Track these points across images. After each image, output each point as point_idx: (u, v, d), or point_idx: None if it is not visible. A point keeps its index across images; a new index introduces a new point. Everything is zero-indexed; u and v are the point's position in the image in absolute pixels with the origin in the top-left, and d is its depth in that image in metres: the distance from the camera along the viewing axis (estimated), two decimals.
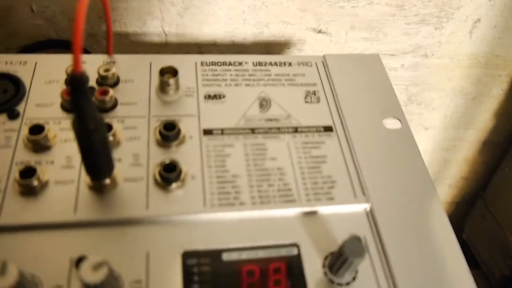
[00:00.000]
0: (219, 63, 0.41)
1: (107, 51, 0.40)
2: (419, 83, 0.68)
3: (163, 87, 0.37)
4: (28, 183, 0.31)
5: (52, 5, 0.54)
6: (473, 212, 0.84)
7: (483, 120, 0.74)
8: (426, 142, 0.77)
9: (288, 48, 0.62)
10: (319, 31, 0.60)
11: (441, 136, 0.76)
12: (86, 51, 0.57)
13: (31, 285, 0.27)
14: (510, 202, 0.76)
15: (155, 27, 0.57)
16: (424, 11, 0.60)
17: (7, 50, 0.58)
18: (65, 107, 0.36)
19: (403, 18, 0.60)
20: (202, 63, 0.41)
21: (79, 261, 0.29)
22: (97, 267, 0.26)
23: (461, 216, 0.89)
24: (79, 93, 0.25)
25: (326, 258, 0.31)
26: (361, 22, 0.60)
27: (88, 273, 0.25)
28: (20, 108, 0.35)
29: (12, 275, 0.25)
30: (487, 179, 0.82)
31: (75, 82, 0.25)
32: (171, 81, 0.37)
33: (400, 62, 0.65)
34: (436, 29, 0.62)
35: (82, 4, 0.24)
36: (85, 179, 0.32)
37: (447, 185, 0.86)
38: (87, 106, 0.26)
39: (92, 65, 0.39)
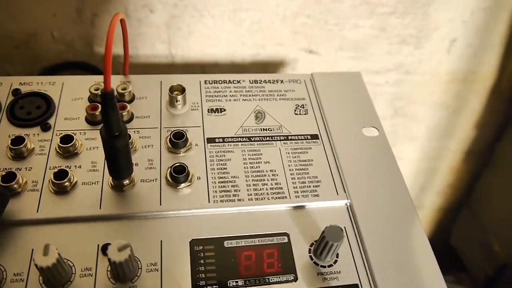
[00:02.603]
0: (220, 81, 0.47)
1: (123, 72, 0.46)
2: (403, 98, 0.74)
3: (172, 103, 0.44)
4: (61, 184, 0.37)
5: (72, 32, 0.60)
6: (460, 218, 0.89)
7: (464, 131, 0.80)
8: (412, 152, 0.83)
9: (283, 67, 0.68)
10: (310, 52, 0.67)
11: (426, 146, 0.82)
12: (100, 71, 0.64)
13: (66, 267, 0.33)
14: (493, 208, 0.81)
15: (163, 50, 0.64)
16: (404, 32, 0.66)
17: (30, 72, 0.64)
18: (89, 120, 0.42)
19: (386, 39, 0.67)
20: (205, 82, 0.47)
21: (104, 247, 0.35)
22: (121, 249, 0.31)
23: (449, 222, 0.94)
24: (108, 105, 0.31)
25: (311, 245, 0.37)
26: (348, 43, 0.66)
27: (114, 254, 0.31)
28: (51, 121, 0.42)
29: (53, 256, 0.31)
30: (472, 186, 0.87)
31: (106, 97, 0.31)
32: (179, 97, 0.43)
33: (384, 79, 0.71)
34: (416, 48, 0.68)
35: (111, 34, 0.31)
36: (108, 180, 0.38)
37: (434, 192, 0.91)
38: (114, 116, 0.32)
39: (111, 84, 0.45)
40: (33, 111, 0.42)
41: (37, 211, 0.36)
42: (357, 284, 0.35)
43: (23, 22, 0.59)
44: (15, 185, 0.36)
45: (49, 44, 0.61)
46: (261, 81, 0.48)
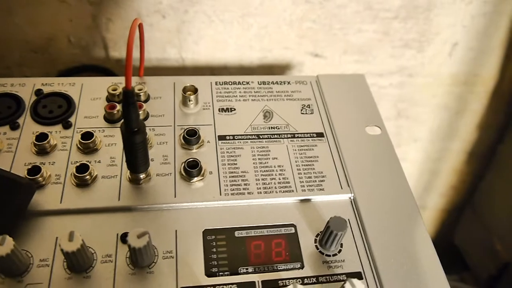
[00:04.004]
0: (230, 83, 0.50)
1: (139, 74, 0.49)
2: (406, 100, 0.77)
3: (185, 102, 0.46)
4: (82, 177, 0.39)
5: (87, 36, 0.63)
6: (463, 219, 0.91)
7: (467, 132, 0.82)
8: (416, 153, 0.85)
9: (289, 70, 0.71)
10: (316, 55, 0.69)
11: (429, 148, 0.84)
12: (114, 74, 0.67)
13: (89, 253, 0.35)
14: (496, 209, 0.83)
15: (174, 54, 0.66)
16: (407, 36, 0.68)
17: (46, 74, 0.67)
18: (107, 119, 0.45)
19: (389, 43, 0.69)
20: (216, 83, 0.50)
21: (124, 236, 0.37)
22: (140, 235, 0.34)
23: (452, 222, 0.95)
24: (129, 103, 0.33)
25: (317, 235, 0.39)
26: (352, 47, 0.69)
27: (134, 240, 0.33)
28: (72, 119, 0.44)
29: (77, 241, 0.33)
30: (474, 187, 0.89)
31: (127, 95, 0.33)
32: (192, 97, 0.46)
33: (388, 81, 0.74)
34: (418, 52, 0.71)
35: (131, 38, 0.33)
36: (126, 174, 0.40)
37: (438, 194, 0.93)
38: (133, 113, 0.34)
39: None
40: (55, 110, 0.45)
41: (60, 202, 0.38)
42: (360, 272, 0.37)
43: (41, 28, 0.61)
44: (40, 178, 0.39)
45: (66, 48, 0.64)
46: (269, 82, 0.51)
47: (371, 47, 0.69)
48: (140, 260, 0.35)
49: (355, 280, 0.33)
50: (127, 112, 0.34)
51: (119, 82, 0.48)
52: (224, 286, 0.35)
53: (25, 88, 0.46)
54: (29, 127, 0.43)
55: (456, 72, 0.74)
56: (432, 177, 0.89)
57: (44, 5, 0.59)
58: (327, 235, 0.37)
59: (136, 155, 0.37)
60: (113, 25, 0.62)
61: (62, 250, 0.33)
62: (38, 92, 0.46)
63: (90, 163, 0.41)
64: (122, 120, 0.35)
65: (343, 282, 0.33)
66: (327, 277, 0.36)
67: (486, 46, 0.72)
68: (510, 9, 0.67)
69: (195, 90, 0.46)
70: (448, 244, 0.94)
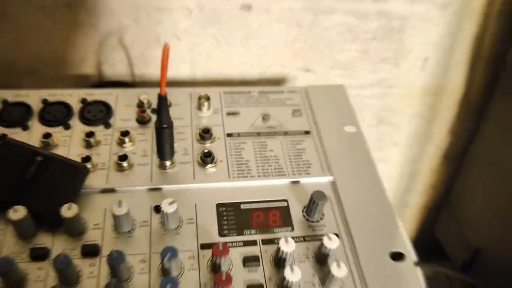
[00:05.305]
0: (235, 92, 0.62)
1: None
2: (386, 109, 0.88)
3: (200, 108, 0.58)
4: (122, 164, 0.51)
5: (114, 55, 0.75)
6: (441, 215, 1.02)
7: (440, 137, 0.94)
8: (397, 156, 0.97)
9: (284, 83, 0.83)
10: (307, 70, 0.81)
11: (408, 152, 0.96)
12: (130, 85, 0.78)
13: (131, 219, 0.46)
14: (468, 203, 0.94)
15: (186, 69, 0.78)
16: (384, 54, 0.81)
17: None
18: (139, 121, 0.56)
19: (369, 60, 0.81)
20: (224, 93, 0.62)
21: (156, 207, 0.48)
22: (171, 203, 0.45)
23: (432, 219, 1.06)
24: (162, 104, 0.45)
25: (304, 208, 0.50)
26: (338, 63, 0.81)
27: (166, 206, 0.45)
28: (111, 121, 0.56)
29: (125, 207, 0.44)
30: (450, 186, 1.00)
31: (161, 98, 0.45)
32: (205, 104, 0.58)
33: (370, 92, 0.86)
34: (395, 67, 0.83)
35: (165, 60, 0.45)
36: (156, 161, 0.52)
37: (418, 193, 1.04)
38: (165, 112, 0.46)
39: (153, 95, 0.59)
40: (97, 114, 0.57)
41: (106, 183, 0.50)
42: (337, 233, 0.48)
43: (75, 49, 0.74)
44: (90, 165, 0.51)
45: (96, 66, 0.76)
46: (267, 92, 0.63)
47: (354, 64, 0.81)
48: (172, 223, 0.46)
49: (331, 235, 0.44)
50: (160, 112, 0.46)
51: (146, 93, 0.60)
52: (234, 243, 0.47)
53: (72, 98, 0.58)
54: (78, 127, 0.55)
55: (427, 85, 0.86)
56: (412, 178, 1.01)
57: (78, 31, 0.71)
58: (311, 205, 0.48)
59: (165, 145, 0.49)
60: (137, 46, 0.74)
61: (113, 214, 0.44)
62: (84, 101, 0.58)
63: (127, 154, 0.52)
64: (156, 119, 0.47)
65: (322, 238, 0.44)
66: (312, 236, 0.48)
67: (453, 61, 0.84)
68: (470, 29, 0.79)
69: (208, 98, 0.58)
70: (430, 238, 1.05)
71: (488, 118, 0.85)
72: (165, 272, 0.42)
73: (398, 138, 0.93)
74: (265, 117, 0.59)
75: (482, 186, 0.89)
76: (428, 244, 1.01)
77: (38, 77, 0.75)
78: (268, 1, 0.71)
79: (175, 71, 0.78)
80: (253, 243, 0.47)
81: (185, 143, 0.55)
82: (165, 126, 0.47)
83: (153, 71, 0.78)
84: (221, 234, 0.47)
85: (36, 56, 0.73)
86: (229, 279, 0.40)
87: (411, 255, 0.49)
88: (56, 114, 0.56)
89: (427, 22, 0.77)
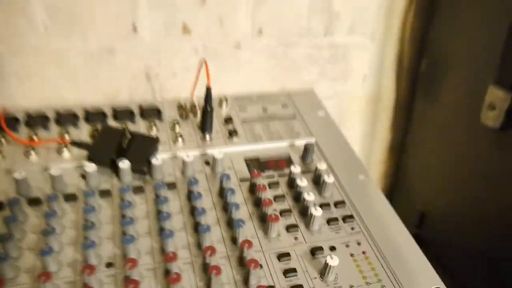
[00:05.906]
0: (240, 98, 0.91)
1: (191, 94, 0.89)
2: (341, 115, 1.20)
3: (221, 105, 0.86)
4: (178, 135, 0.77)
5: (142, 87, 1.02)
6: (394, 197, 1.31)
7: (383, 134, 1.26)
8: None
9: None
10: (283, 87, 1.12)
11: (361, 146, 1.27)
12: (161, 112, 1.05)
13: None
14: (413, 180, 1.24)
15: (196, 91, 1.06)
16: (336, 74, 1.13)
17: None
18: (181, 116, 0.84)
19: (325, 79, 1.13)
20: (233, 98, 0.91)
21: (206, 162, 0.75)
22: (219, 153, 0.72)
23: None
24: (208, 94, 0.73)
25: (300, 156, 0.78)
26: (305, 82, 1.12)
27: (217, 155, 0.71)
28: (163, 117, 0.83)
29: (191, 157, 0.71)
30: (398, 170, 1.31)
31: (208, 90, 0.73)
32: (224, 102, 0.86)
33: (329, 103, 1.17)
34: (344, 82, 1.15)
35: (207, 74, 0.73)
36: (200, 135, 0.79)
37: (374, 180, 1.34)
38: (209, 99, 0.74)
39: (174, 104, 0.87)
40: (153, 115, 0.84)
41: (169, 150, 0.76)
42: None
43: (110, 85, 1.00)
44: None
45: (127, 97, 1.03)
46: (265, 97, 0.92)
47: (316, 81, 1.13)
48: (219, 167, 0.72)
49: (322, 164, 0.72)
50: (207, 99, 0.74)
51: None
52: None
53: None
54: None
55: (367, 94, 1.19)
56: (369, 159, 1.31)
57: (114, 70, 0.98)
58: (305, 152, 0.76)
59: (208, 122, 0.76)
60: (161, 78, 1.02)
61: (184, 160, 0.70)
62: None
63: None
64: (203, 104, 0.75)
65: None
66: (306, 171, 0.76)
67: (383, 74, 1.17)
68: (392, 51, 1.14)
69: (226, 99, 0.87)
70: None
71: (412, 116, 1.18)
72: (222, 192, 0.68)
73: (354, 137, 1.24)
74: (264, 112, 0.88)
75: (419, 163, 1.20)
76: None
77: None
78: (252, 41, 1.02)
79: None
80: (271, 176, 0.74)
81: (216, 125, 0.83)
82: (209, 109, 0.75)
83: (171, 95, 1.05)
84: (250, 173, 0.74)
85: None
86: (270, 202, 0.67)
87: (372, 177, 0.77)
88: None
89: (363, 48, 1.11)
